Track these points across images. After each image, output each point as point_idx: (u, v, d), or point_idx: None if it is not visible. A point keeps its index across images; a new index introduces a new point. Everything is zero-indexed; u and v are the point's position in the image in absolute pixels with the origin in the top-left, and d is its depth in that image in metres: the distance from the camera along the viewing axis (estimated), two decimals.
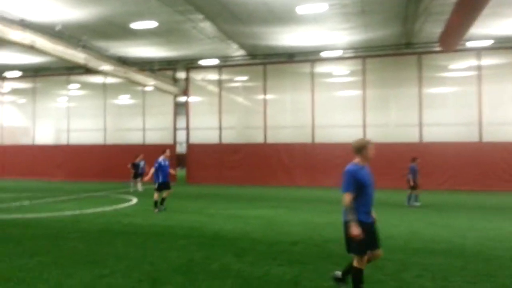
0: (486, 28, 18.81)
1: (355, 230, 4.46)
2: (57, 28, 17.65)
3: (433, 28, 18.97)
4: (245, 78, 27.34)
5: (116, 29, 19.31)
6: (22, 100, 31.68)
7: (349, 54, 23.89)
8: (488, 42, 21.17)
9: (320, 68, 25.22)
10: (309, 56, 24.31)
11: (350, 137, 25.13)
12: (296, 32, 20.03)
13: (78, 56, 18.66)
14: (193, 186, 24.23)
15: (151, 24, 18.40)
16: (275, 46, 22.65)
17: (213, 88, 27.23)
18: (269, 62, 25.41)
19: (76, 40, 18.86)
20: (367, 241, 4.58)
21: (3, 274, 5.81)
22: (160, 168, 12.74)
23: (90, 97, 29.92)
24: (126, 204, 14.59)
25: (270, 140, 25.54)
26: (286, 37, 20.92)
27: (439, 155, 22.15)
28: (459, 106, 23.01)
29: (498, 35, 20.39)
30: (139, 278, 5.61)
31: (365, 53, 23.53)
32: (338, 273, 5.14)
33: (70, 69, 27.56)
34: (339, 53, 23.54)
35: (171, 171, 13.21)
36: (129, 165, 20.74)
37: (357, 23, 18.58)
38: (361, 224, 4.54)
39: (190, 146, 27.20)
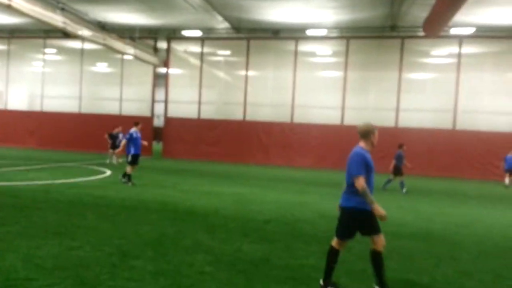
0: (470, 15, 18.98)
1: (381, 211, 4.28)
2: None
3: (419, 12, 19.02)
4: (227, 52, 26.98)
5: None
6: None
7: (334, 34, 23.81)
8: (470, 30, 21.37)
9: (304, 47, 25.08)
10: (294, 33, 24.12)
11: (328, 118, 25.50)
12: (283, 8, 19.78)
13: (56, 18, 17.97)
14: (169, 160, 24.10)
15: None
16: (260, 21, 22.32)
17: (195, 61, 26.79)
18: (253, 37, 25.09)
19: (55, 1, 18.12)
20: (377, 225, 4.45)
21: None
22: (132, 140, 12.66)
23: (66, 63, 29.05)
24: (99, 176, 14.42)
25: (249, 117, 25.48)
26: (272, 12, 20.64)
27: (413, 141, 22.49)
28: (437, 93, 23.39)
29: (480, 24, 20.61)
30: (109, 251, 5.58)
31: (349, 34, 23.49)
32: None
33: (47, 32, 26.59)
34: (324, 32, 23.43)
35: (144, 142, 13.13)
36: (106, 136, 20.38)
37: (345, 2, 18.46)
38: (366, 212, 4.36)
39: (167, 120, 26.88)
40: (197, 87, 26.44)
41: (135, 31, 24.30)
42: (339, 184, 15.69)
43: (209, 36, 25.79)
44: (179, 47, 27.05)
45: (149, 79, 27.41)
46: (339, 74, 24.41)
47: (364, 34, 23.22)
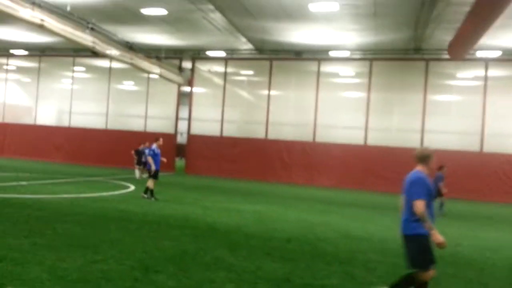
0: (496, 39, 18.73)
1: (440, 238, 4.19)
2: (68, 8, 17.58)
3: (443, 36, 18.89)
4: (250, 72, 27.28)
5: (126, 13, 19.25)
6: (26, 79, 31.64)
7: (357, 55, 23.82)
8: (496, 53, 21.09)
9: (326, 68, 25.15)
10: (317, 54, 24.24)
11: (350, 138, 25.35)
12: (305, 30, 19.94)
13: (85, 38, 18.58)
14: (191, 177, 24.25)
15: (161, 11, 18.34)
16: (283, 42, 22.57)
17: (218, 80, 27.17)
18: (276, 58, 25.33)
19: (85, 22, 18.78)
20: (432, 255, 4.36)
21: None
22: (154, 156, 12.82)
23: (94, 81, 29.89)
24: (123, 191, 14.61)
25: (271, 136, 25.52)
26: (295, 34, 20.84)
27: (439, 162, 22.09)
28: (463, 115, 22.97)
29: (506, 47, 20.32)
30: (131, 265, 5.62)
31: (372, 56, 23.45)
32: None
33: (77, 51, 27.47)
34: (346, 53, 23.46)
35: (163, 159, 13.35)
36: (133, 152, 20.74)
37: (368, 25, 18.49)
38: (424, 238, 4.27)
39: (190, 137, 27.19)
40: (220, 106, 26.73)
41: (161, 51, 24.89)
42: (361, 205, 15.50)
43: (232, 57, 26.19)
44: (203, 67, 27.54)
45: (173, 97, 27.89)
46: (362, 95, 24.30)
47: (387, 56, 23.13)
